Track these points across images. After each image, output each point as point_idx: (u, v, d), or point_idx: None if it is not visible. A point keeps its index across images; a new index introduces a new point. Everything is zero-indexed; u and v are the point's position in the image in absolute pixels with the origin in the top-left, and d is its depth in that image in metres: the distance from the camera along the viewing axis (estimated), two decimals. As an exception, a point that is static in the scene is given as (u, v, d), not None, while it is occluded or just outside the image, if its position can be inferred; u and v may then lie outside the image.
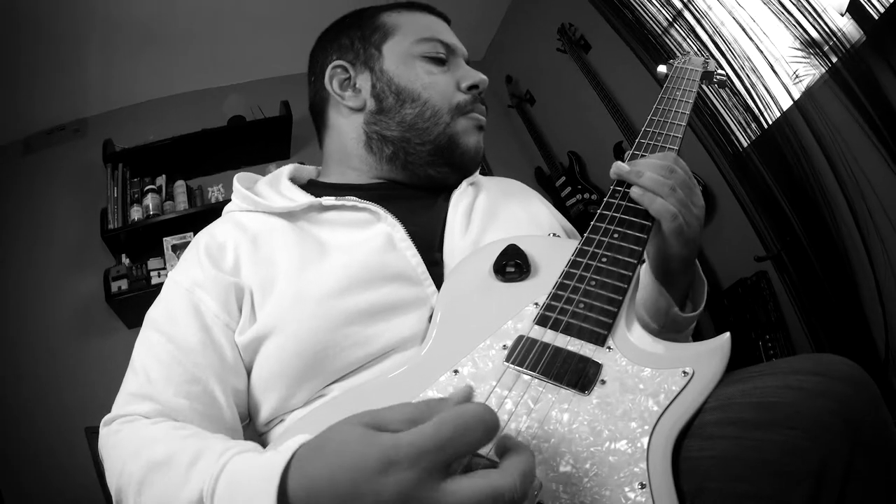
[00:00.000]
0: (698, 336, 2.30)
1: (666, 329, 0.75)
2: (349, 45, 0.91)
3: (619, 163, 0.70)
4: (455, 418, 0.40)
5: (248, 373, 0.73)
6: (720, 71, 0.96)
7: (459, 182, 0.90)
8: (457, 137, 0.87)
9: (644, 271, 0.74)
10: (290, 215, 0.83)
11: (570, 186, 2.88)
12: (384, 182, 0.90)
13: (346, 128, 0.90)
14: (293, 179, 0.91)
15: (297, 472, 0.43)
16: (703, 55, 1.00)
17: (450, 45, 0.91)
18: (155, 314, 0.76)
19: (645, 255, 0.72)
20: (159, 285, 2.27)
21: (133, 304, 2.30)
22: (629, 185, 0.69)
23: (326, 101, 0.93)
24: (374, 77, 0.88)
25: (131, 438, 0.63)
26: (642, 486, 0.45)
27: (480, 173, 0.96)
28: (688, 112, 0.82)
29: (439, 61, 0.89)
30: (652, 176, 0.66)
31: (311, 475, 0.42)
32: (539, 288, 0.65)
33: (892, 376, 1.62)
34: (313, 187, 0.90)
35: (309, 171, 0.97)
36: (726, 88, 1.97)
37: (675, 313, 0.74)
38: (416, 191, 0.89)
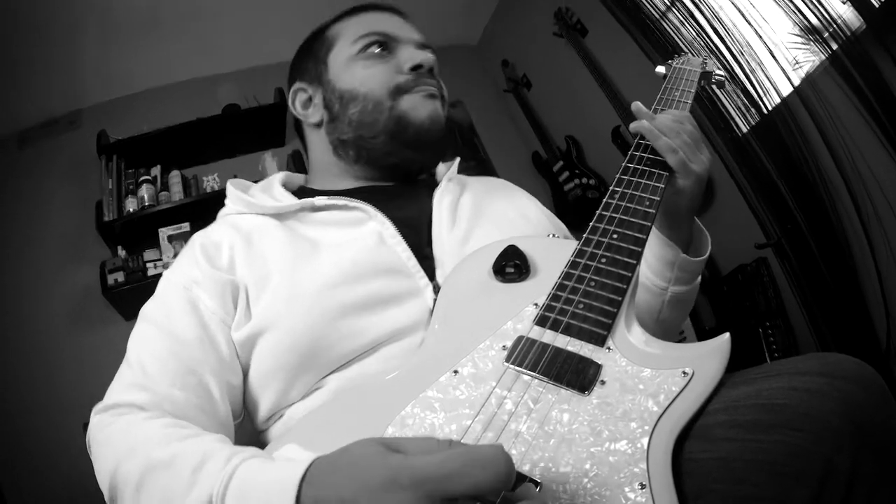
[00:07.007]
0: (697, 322, 2.29)
1: (675, 283, 0.80)
2: (307, 68, 0.96)
3: (639, 104, 0.78)
4: (466, 453, 0.40)
5: (244, 370, 0.74)
6: (718, 71, 0.96)
7: (433, 161, 0.92)
8: (405, 116, 0.87)
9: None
10: (282, 216, 0.85)
11: (567, 171, 2.87)
12: (367, 186, 0.92)
13: (317, 142, 0.95)
14: (285, 186, 0.94)
15: (310, 484, 0.44)
16: (701, 42, 1.00)
17: (389, 34, 0.91)
18: (150, 310, 0.77)
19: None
20: (156, 277, 2.28)
21: (130, 296, 2.30)
22: (628, 186, 0.71)
23: (301, 123, 0.98)
24: (323, 89, 0.92)
25: (125, 434, 0.62)
26: (642, 486, 0.45)
27: (477, 158, 0.97)
28: (686, 112, 0.83)
29: (378, 53, 0.90)
30: (664, 119, 0.76)
31: (323, 486, 0.43)
32: (538, 288, 0.65)
33: (894, 365, 1.62)
34: (304, 193, 0.92)
35: (299, 178, 1.01)
36: (725, 87, 1.96)
37: (684, 259, 0.80)
38: (400, 188, 0.92)
